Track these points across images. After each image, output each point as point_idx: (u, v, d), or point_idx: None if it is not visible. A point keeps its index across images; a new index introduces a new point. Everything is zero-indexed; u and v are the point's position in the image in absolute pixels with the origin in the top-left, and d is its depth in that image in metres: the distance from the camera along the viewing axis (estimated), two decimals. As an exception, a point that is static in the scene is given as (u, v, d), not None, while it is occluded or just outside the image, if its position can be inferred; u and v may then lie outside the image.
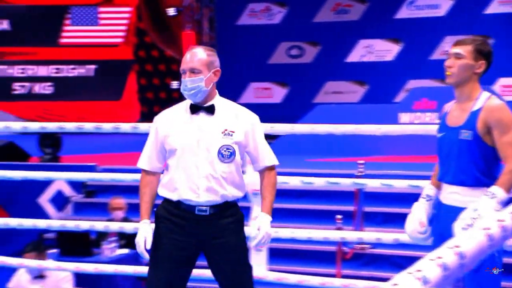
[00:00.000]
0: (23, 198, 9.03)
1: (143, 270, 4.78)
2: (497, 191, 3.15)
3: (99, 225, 5.29)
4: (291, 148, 9.96)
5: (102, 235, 7.24)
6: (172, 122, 3.58)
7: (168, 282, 3.53)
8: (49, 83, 15.20)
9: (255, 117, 3.61)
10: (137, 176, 4.54)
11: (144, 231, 3.49)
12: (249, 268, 3.61)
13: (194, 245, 3.53)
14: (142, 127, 4.59)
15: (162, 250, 3.52)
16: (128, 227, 5.19)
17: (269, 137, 4.47)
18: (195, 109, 3.55)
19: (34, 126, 5.29)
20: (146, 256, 3.48)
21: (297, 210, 7.80)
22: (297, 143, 10.11)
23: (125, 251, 7.06)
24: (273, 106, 13.63)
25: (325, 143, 9.54)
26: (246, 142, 3.53)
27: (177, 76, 15.01)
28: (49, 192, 9.25)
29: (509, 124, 3.29)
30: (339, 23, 13.77)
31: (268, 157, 3.58)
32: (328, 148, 10.04)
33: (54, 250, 6.89)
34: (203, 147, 3.48)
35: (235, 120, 3.54)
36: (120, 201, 7.54)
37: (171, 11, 14.31)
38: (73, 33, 15.15)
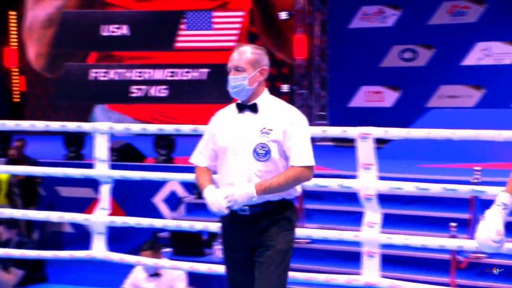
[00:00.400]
0: (138, 197, 9.31)
1: (217, 269, 4.80)
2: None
3: (213, 226, 5.34)
4: (402, 153, 9.77)
5: (213, 236, 7.35)
6: (220, 120, 3.58)
7: (233, 280, 3.53)
8: (164, 86, 15.62)
9: (297, 116, 3.50)
10: None
11: (212, 191, 3.42)
12: (281, 270, 3.45)
13: (243, 246, 3.46)
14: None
15: (224, 251, 3.55)
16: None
17: (379, 142, 4.40)
18: (241, 107, 3.52)
19: (152, 128, 5.40)
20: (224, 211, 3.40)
21: (409, 216, 7.62)
22: (408, 148, 9.88)
23: (235, 252, 7.12)
24: (384, 110, 13.42)
25: (437, 148, 9.29)
26: (283, 141, 3.43)
27: (287, 80, 15.11)
28: (163, 193, 9.49)
29: None
30: (455, 25, 13.38)
31: (298, 157, 3.43)
32: (440, 154, 9.76)
33: (168, 249, 7.06)
34: (242, 145, 3.45)
35: (276, 118, 3.46)
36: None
37: (283, 15, 14.38)
38: (187, 38, 15.50)
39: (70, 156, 10.86)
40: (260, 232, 3.43)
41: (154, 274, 5.95)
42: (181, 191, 9.52)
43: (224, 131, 3.50)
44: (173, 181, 9.03)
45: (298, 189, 3.56)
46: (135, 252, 6.09)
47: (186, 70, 15.47)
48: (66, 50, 16.10)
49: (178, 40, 15.54)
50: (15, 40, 16.82)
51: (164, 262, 5.41)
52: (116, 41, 15.71)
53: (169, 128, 5.35)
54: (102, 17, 15.91)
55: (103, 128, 5.13)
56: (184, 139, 10.83)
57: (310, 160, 3.46)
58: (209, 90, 15.10)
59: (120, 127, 5.33)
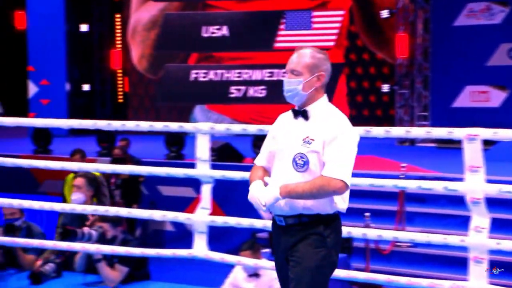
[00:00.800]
0: (237, 198, 9.34)
1: (356, 275, 4.72)
2: None
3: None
4: (509, 156, 9.39)
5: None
6: (280, 123, 3.47)
7: (280, 281, 3.50)
8: (262, 87, 15.69)
9: (342, 128, 3.28)
10: (368, 180, 4.50)
11: (253, 186, 3.34)
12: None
13: (281, 254, 3.39)
14: (375, 131, 4.51)
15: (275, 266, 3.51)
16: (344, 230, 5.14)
17: (485, 144, 4.21)
18: (295, 113, 3.39)
19: (252, 128, 5.38)
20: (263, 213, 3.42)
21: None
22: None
23: (335, 254, 7.05)
24: (491, 111, 12.94)
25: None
26: (322, 152, 3.26)
27: (388, 79, 14.81)
28: (262, 193, 9.47)
29: None
30: None
31: (330, 167, 3.23)
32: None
33: (267, 250, 7.03)
34: (286, 153, 3.33)
35: (322, 128, 3.29)
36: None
37: (384, 13, 14.11)
38: (287, 38, 15.50)
39: (171, 156, 11.05)
40: (292, 245, 3.32)
41: (254, 274, 5.94)
42: (279, 192, 9.48)
43: (278, 135, 3.41)
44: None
45: (340, 205, 3.35)
46: (234, 251, 6.10)
47: (284, 70, 15.46)
48: (168, 52, 16.44)
49: (277, 40, 15.56)
50: (119, 42, 17.33)
51: (264, 262, 5.38)
52: (216, 42, 15.90)
53: (268, 128, 5.33)
54: (203, 19, 16.15)
55: (204, 129, 5.18)
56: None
57: (342, 174, 3.23)
58: (308, 91, 15.04)
59: (221, 128, 5.36)
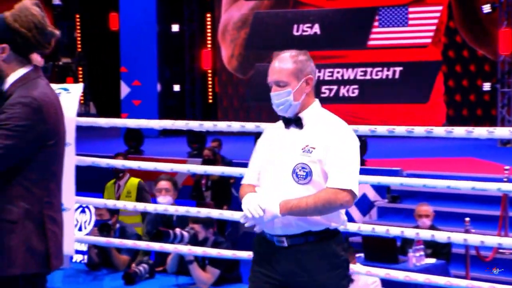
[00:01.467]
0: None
1: (458, 282, 4.46)
2: None
3: (410, 232, 5.07)
4: None
5: (408, 242, 7.02)
6: (268, 136, 3.16)
7: None
8: (355, 86, 15.39)
9: (344, 133, 2.99)
10: (445, 182, 4.26)
11: (248, 196, 2.99)
12: None
13: (278, 281, 3.00)
14: (477, 131, 4.24)
15: (250, 283, 3.09)
16: (438, 235, 4.89)
17: None
18: (287, 122, 3.08)
19: (346, 128, 5.21)
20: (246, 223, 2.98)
21: None
22: None
23: (432, 260, 6.77)
24: None
25: None
26: (325, 160, 2.94)
27: (489, 77, 14.15)
28: (355, 195, 9.25)
29: None
30: None
31: (334, 178, 2.91)
32: None
33: (360, 254, 6.84)
34: (281, 166, 3.00)
35: (321, 134, 2.99)
36: (427, 208, 7.25)
37: (486, 8, 13.53)
38: (381, 35, 15.13)
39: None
40: (303, 269, 2.96)
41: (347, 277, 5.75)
42: (372, 195, 9.25)
43: (268, 149, 3.09)
44: (364, 184, 8.78)
45: (343, 216, 3.04)
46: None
47: (378, 69, 15.11)
48: (258, 51, 16.38)
49: (371, 38, 15.22)
50: (210, 42, 17.42)
51: (359, 267, 5.19)
52: (308, 40, 15.69)
53: (363, 129, 5.15)
54: (294, 17, 15.99)
55: None
56: (377, 140, 10.59)
57: (349, 183, 2.90)
58: (402, 90, 14.64)
59: None
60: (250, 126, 5.21)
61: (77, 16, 18.97)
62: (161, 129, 5.07)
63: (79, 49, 19.25)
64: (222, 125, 5.21)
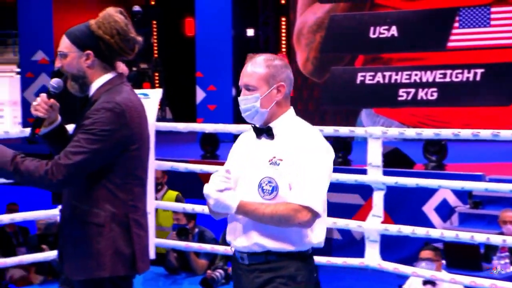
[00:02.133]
0: (407, 205, 8.96)
1: None
2: None
3: (496, 239, 4.92)
4: None
5: (492, 249, 6.81)
6: (239, 145, 3.01)
7: None
8: (433, 89, 15.04)
9: (313, 145, 2.81)
10: None
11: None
12: None
13: None
14: None
15: None
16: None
17: None
18: (258, 131, 2.91)
19: (428, 132, 5.15)
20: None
21: None
22: None
23: (517, 268, 6.53)
24: None
25: None
26: (292, 173, 2.77)
27: None
28: (434, 201, 9.04)
29: None
30: None
31: (296, 194, 2.74)
32: None
33: (443, 261, 6.67)
34: (248, 178, 2.85)
35: (290, 145, 2.81)
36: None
37: None
38: (461, 36, 14.75)
39: (338, 161, 10.84)
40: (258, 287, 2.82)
41: (430, 282, 5.59)
42: (453, 200, 9.00)
43: (238, 159, 2.95)
44: (445, 189, 8.57)
45: (314, 239, 2.83)
46: (406, 261, 5.85)
47: (458, 71, 14.73)
48: (334, 54, 16.25)
49: (451, 39, 14.85)
50: (284, 46, 17.39)
51: (443, 274, 5.06)
52: (385, 42, 15.43)
53: (446, 133, 5.04)
54: (371, 19, 15.76)
55: (376, 133, 5.00)
56: (459, 145, 10.34)
57: (311, 201, 2.73)
58: (483, 92, 14.21)
59: (393, 132, 5.17)
60: (328, 130, 5.17)
61: (154, 22, 19.26)
62: (237, 133, 5.09)
63: (156, 55, 19.55)
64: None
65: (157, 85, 18.89)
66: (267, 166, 2.80)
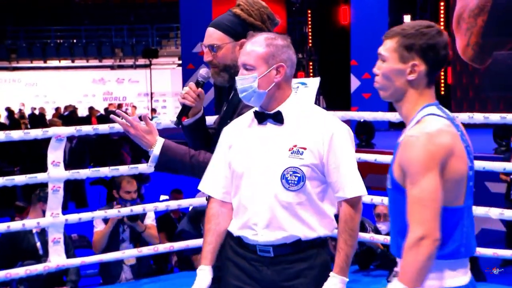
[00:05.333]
0: None
1: None
2: None
3: None
4: None
5: None
6: (236, 133, 2.70)
7: None
8: None
9: (338, 127, 2.61)
10: None
11: (199, 282, 2.64)
12: None
13: None
14: None
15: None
16: None
17: None
18: (260, 117, 2.65)
19: None
20: None
21: None
22: None
23: None
24: None
25: None
26: (322, 162, 2.56)
27: None
28: None
29: (420, 170, 2.07)
30: None
31: (350, 185, 2.56)
32: None
33: None
34: (265, 170, 2.59)
35: (311, 131, 2.58)
36: None
37: None
38: None
39: (500, 150, 10.38)
40: (289, 278, 2.60)
41: None
42: None
43: (241, 149, 2.66)
44: None
45: (335, 223, 2.69)
46: None
47: None
48: (497, 39, 15.52)
49: None
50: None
51: None
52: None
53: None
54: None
55: None
56: None
57: (360, 188, 2.61)
58: None
59: None
60: (494, 117, 4.94)
61: (309, 11, 19.31)
62: (395, 121, 4.98)
63: (310, 44, 19.60)
64: (463, 117, 4.99)
65: (311, 74, 18.95)
66: (288, 155, 2.59)
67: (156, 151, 2.85)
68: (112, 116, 2.95)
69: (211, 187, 2.74)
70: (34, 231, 5.48)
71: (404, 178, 2.14)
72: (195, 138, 2.96)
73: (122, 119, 2.90)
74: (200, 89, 2.92)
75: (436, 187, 2.07)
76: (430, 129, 2.14)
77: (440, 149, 2.10)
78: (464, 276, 2.18)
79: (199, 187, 2.78)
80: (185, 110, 2.90)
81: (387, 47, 2.27)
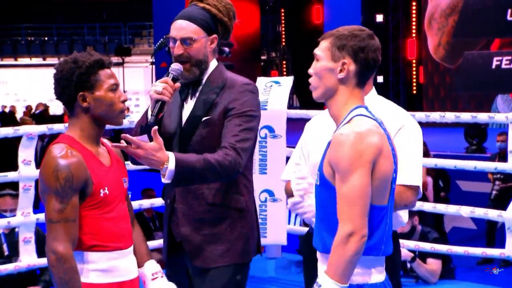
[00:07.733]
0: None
1: None
2: (325, 283, 2.13)
3: None
4: None
5: None
6: (314, 128, 2.88)
7: None
8: None
9: (407, 119, 2.82)
10: None
11: None
12: None
13: None
14: None
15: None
16: None
17: None
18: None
19: None
20: None
21: None
22: None
23: None
24: None
25: None
26: None
27: None
28: None
29: (349, 168, 2.16)
30: None
31: (406, 174, 2.65)
32: None
33: None
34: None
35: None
36: None
37: None
38: None
39: (471, 149, 10.48)
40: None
41: None
42: None
43: (318, 145, 2.67)
44: None
45: (406, 216, 2.81)
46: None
47: None
48: (468, 39, 15.67)
49: None
50: (414, 31, 16.97)
51: None
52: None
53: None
54: (508, 1, 15.05)
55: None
56: None
57: (417, 179, 2.67)
58: None
59: None
60: (465, 116, 4.99)
61: (282, 10, 19.37)
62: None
63: (283, 43, 19.66)
64: (435, 116, 5.04)
65: (284, 73, 18.99)
66: None
67: (171, 166, 2.58)
68: (116, 145, 2.60)
69: (288, 174, 2.87)
70: (0, 231, 5.40)
71: (333, 176, 2.22)
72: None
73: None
74: (177, 84, 2.77)
75: (365, 184, 2.14)
76: (360, 129, 2.21)
77: (369, 148, 2.17)
78: (380, 274, 2.26)
79: (282, 178, 2.92)
80: (162, 107, 2.73)
81: (321, 47, 2.42)
